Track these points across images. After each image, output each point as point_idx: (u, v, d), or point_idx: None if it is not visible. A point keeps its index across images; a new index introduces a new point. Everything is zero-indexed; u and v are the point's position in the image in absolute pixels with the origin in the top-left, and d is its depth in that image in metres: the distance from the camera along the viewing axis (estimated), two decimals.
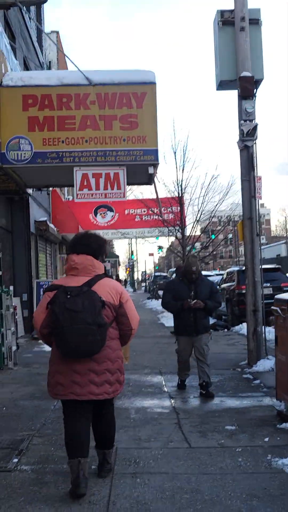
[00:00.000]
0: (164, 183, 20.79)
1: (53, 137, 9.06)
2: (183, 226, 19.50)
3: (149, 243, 37.90)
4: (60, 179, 10.84)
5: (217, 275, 26.05)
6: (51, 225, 18.67)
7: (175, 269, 24.63)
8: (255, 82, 9.34)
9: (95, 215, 22.48)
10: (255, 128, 9.27)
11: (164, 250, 54.80)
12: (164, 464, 4.61)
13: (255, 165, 9.36)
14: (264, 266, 10.72)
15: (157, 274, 58.23)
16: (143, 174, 9.59)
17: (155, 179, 10.61)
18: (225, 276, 19.61)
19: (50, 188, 18.40)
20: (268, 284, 13.68)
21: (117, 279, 32.36)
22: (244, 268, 10.45)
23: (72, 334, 3.87)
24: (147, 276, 78.52)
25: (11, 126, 8.99)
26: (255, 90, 9.36)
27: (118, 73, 9.40)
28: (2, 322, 9.60)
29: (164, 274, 53.86)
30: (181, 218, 19.44)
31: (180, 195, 19.21)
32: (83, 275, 4.11)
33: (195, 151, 54.09)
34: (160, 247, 50.09)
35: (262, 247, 16.05)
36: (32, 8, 17.88)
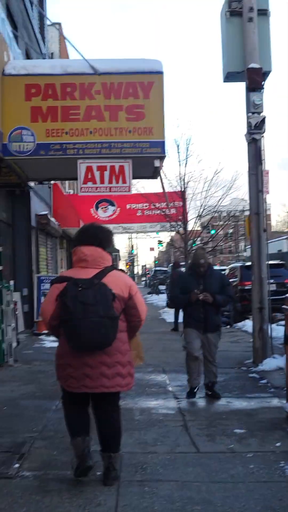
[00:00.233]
0: (166, 177, 20.61)
1: (56, 128, 8.82)
2: (185, 221, 19.31)
3: (150, 238, 37.66)
4: (63, 172, 10.58)
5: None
6: (52, 219, 18.43)
7: (171, 264, 24.40)
8: (263, 74, 9.13)
9: (96, 209, 22.22)
10: (263, 120, 9.06)
11: (164, 244, 54.63)
12: (172, 471, 4.39)
13: (263, 158, 9.15)
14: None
15: (157, 268, 57.95)
16: (148, 167, 9.36)
17: (161, 172, 10.37)
18: (227, 272, 19.38)
19: (52, 182, 18.16)
20: (272, 281, 13.44)
21: (121, 271, 32.16)
22: (247, 264, 10.24)
23: (85, 327, 3.82)
24: (146, 270, 78.29)
25: (13, 116, 8.75)
26: (263, 82, 9.15)
27: (124, 62, 9.14)
28: (2, 318, 9.38)
29: (165, 268, 53.60)
30: (183, 213, 19.25)
31: (182, 189, 19.01)
32: (92, 267, 4.05)
33: (199, 145, 53.86)
34: (160, 242, 49.90)
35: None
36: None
